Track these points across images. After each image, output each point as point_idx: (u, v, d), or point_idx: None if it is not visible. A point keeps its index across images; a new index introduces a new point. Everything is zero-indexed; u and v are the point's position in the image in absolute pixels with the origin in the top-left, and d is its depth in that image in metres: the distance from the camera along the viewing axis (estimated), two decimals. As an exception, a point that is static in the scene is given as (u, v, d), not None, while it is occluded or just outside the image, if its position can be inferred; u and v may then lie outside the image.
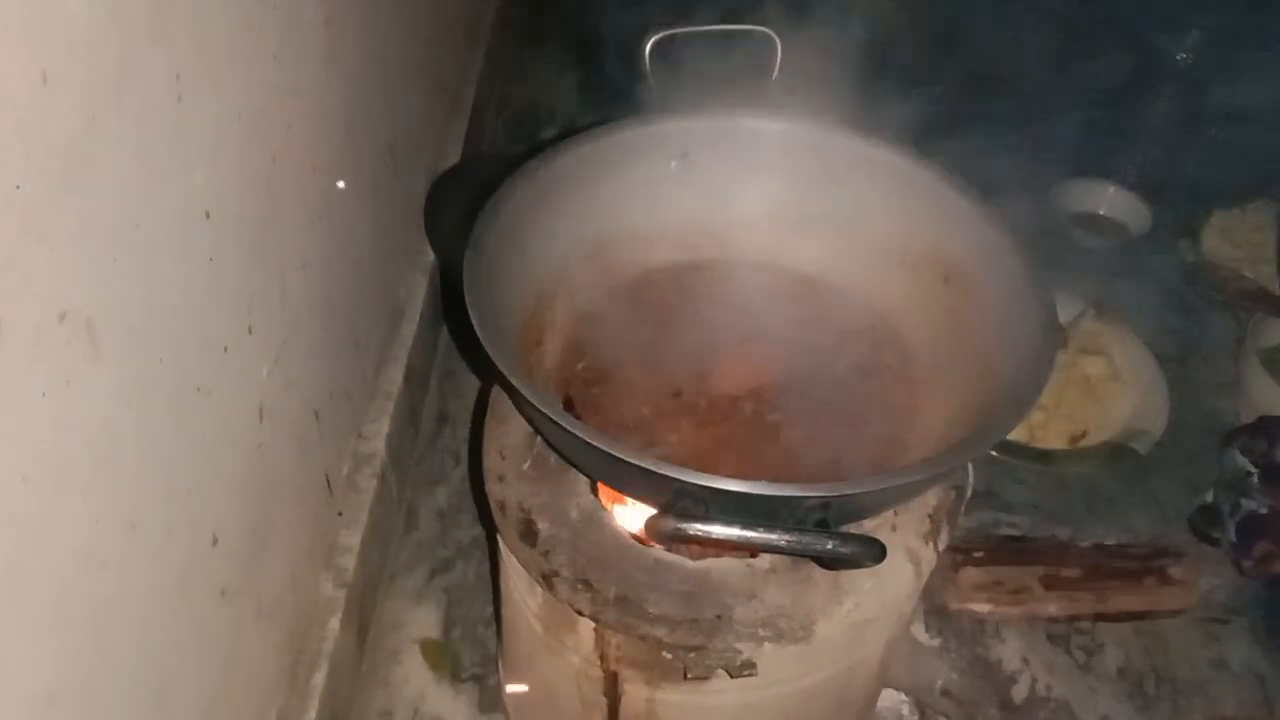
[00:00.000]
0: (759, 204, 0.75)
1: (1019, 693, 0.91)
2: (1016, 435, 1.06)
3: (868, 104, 0.74)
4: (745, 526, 0.51)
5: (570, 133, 0.71)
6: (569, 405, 0.67)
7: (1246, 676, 0.93)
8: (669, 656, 0.61)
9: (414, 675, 0.91)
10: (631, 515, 0.64)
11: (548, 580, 0.62)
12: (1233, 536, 0.98)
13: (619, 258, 0.73)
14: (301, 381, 0.78)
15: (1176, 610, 0.97)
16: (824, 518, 0.52)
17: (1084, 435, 1.10)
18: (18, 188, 0.41)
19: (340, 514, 0.89)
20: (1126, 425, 1.09)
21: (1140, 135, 1.39)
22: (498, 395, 0.71)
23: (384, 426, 0.97)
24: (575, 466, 0.65)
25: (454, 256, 0.61)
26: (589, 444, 0.53)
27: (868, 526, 0.64)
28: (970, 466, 0.69)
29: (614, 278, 0.73)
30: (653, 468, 0.51)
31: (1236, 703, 0.92)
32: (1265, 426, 1.03)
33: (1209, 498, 1.04)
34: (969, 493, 0.69)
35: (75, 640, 0.49)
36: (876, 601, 0.63)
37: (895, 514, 0.65)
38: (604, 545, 0.63)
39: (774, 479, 0.52)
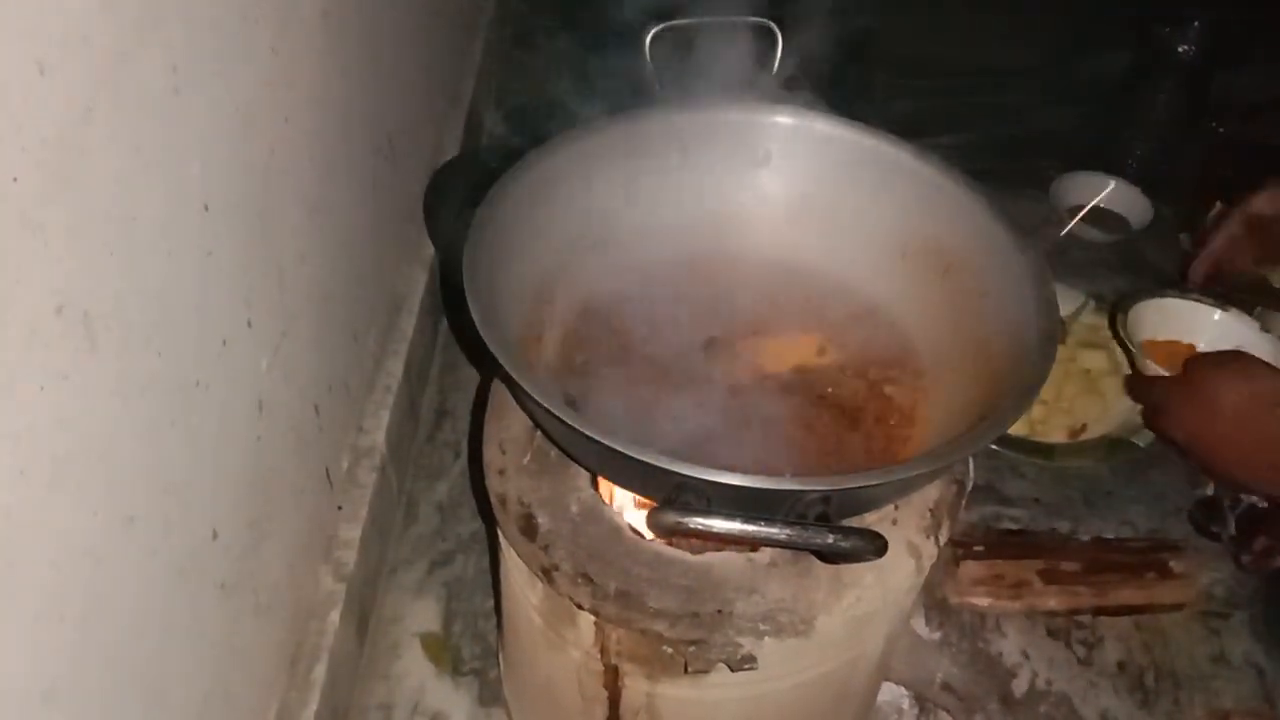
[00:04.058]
0: (759, 197, 0.75)
1: (1019, 686, 0.91)
2: (1016, 429, 1.06)
3: (867, 96, 0.74)
4: (746, 520, 0.51)
5: (570, 125, 0.71)
6: (568, 399, 0.66)
7: (1246, 670, 0.93)
8: (669, 650, 0.61)
9: (414, 669, 0.91)
10: (632, 509, 0.64)
11: (548, 574, 0.62)
12: (1232, 530, 0.98)
13: (618, 251, 0.73)
14: (300, 375, 0.77)
15: (1176, 604, 0.96)
16: (825, 512, 0.52)
17: (1084, 429, 1.09)
18: (14, 180, 0.40)
19: (340, 507, 0.89)
20: (1126, 419, 1.09)
21: (1141, 128, 1.39)
22: (497, 389, 0.71)
23: (383, 420, 0.97)
24: (575, 460, 0.65)
25: (453, 249, 0.61)
26: (589, 438, 0.53)
27: (869, 520, 0.63)
28: (971, 460, 0.69)
29: (613, 271, 0.73)
30: (653, 461, 0.51)
31: (1236, 697, 0.91)
32: (1266, 420, 1.03)
33: (1209, 492, 1.03)
34: (969, 487, 0.69)
35: (72, 636, 0.48)
36: (877, 595, 0.62)
37: (896, 508, 0.65)
38: (604, 539, 0.63)
39: (774, 473, 0.52)
